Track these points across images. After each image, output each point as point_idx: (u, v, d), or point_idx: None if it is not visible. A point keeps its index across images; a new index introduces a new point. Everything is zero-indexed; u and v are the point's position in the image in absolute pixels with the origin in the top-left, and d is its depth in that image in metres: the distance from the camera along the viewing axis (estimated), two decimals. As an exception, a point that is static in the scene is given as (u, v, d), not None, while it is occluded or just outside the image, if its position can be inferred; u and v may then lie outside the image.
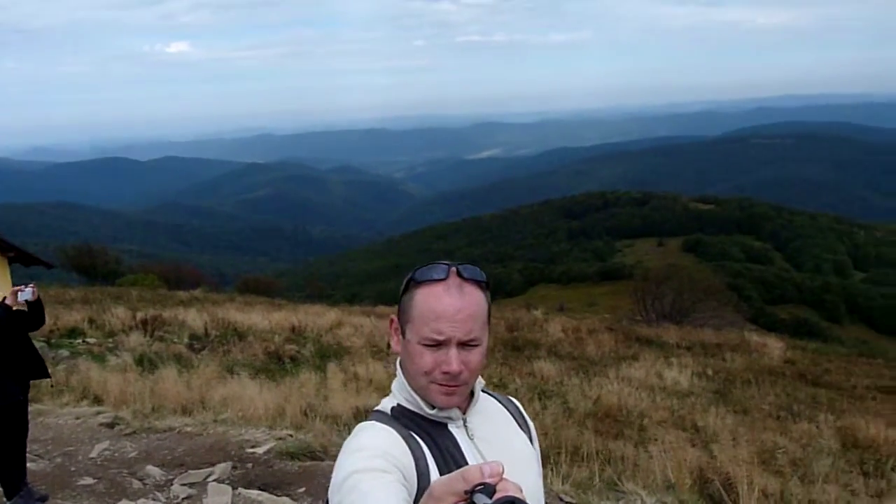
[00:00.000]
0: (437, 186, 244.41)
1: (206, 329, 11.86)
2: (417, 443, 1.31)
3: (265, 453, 4.20)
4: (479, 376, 1.40)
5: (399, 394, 1.40)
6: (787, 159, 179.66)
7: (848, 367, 15.12)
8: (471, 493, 0.87)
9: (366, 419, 1.39)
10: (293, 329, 11.39)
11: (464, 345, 1.29)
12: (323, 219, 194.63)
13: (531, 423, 1.53)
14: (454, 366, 1.28)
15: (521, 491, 0.87)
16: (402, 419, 1.36)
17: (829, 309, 54.13)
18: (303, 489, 3.81)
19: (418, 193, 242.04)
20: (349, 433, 1.34)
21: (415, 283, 1.33)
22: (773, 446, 7.87)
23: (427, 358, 1.30)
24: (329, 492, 1.19)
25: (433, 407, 1.35)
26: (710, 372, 12.76)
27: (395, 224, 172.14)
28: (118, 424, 5.50)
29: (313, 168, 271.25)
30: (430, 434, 1.34)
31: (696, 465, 4.78)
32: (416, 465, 1.26)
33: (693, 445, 7.24)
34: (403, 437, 1.30)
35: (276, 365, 9.18)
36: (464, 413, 1.38)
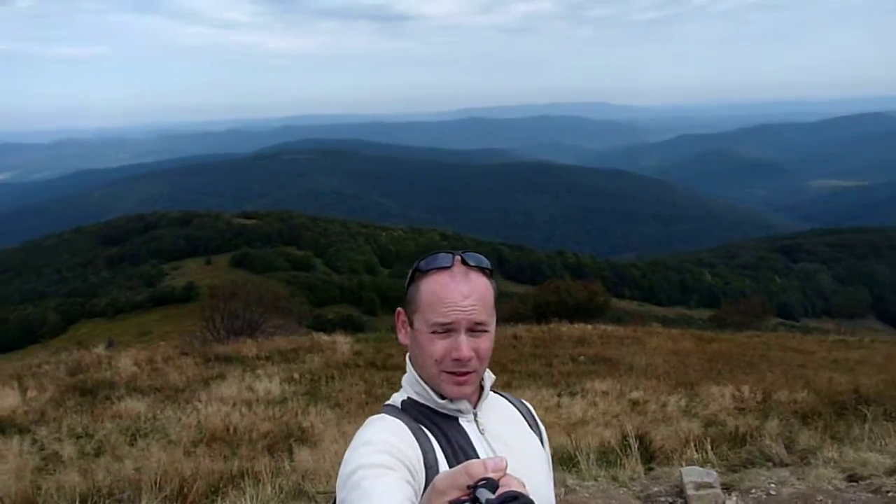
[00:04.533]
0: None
1: None
2: (426, 436, 1.31)
3: None
4: (491, 373, 1.43)
5: (409, 387, 1.40)
6: (315, 172, 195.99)
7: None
8: (474, 487, 0.87)
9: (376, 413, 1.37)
10: None
11: (472, 331, 1.32)
12: None
13: (542, 427, 1.54)
14: (464, 351, 1.30)
15: (524, 486, 0.87)
16: (411, 412, 1.36)
17: (366, 304, 61.04)
18: None
19: None
20: None
21: (420, 273, 1.36)
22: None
23: (437, 345, 1.32)
24: (336, 486, 1.20)
25: (443, 398, 1.35)
26: (296, 376, 13.36)
27: None
28: None
29: None
30: (441, 427, 1.35)
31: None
32: (425, 458, 1.26)
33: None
34: (412, 430, 1.30)
35: None
36: (474, 408, 1.40)
